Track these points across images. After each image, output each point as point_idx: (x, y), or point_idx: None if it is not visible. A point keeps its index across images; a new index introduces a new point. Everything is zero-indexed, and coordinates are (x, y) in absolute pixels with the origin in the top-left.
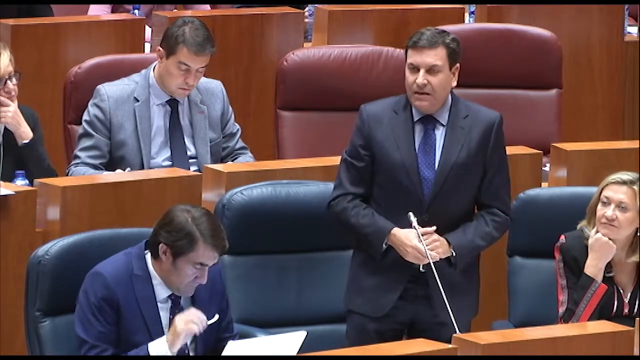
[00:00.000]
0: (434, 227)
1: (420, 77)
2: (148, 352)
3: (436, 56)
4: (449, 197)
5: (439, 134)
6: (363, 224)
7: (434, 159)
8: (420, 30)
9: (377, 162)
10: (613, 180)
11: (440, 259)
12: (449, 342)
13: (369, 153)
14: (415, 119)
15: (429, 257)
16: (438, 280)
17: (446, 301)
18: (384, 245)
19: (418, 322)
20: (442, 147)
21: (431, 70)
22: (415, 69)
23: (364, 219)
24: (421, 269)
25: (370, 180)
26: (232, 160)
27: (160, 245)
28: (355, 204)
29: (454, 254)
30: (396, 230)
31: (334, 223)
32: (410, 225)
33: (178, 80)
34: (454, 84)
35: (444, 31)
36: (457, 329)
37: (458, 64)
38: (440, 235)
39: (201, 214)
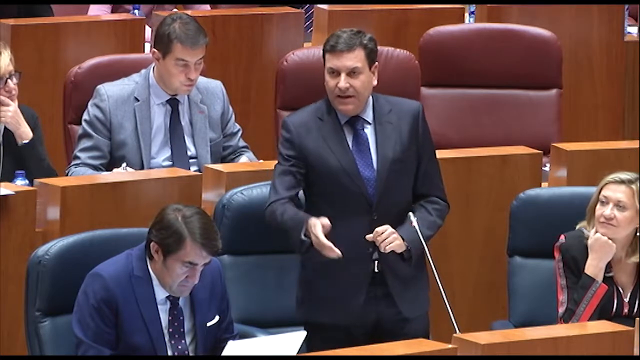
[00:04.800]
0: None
1: (342, 81)
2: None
3: (355, 59)
4: (393, 193)
5: (369, 132)
6: (286, 219)
7: (371, 158)
8: (336, 33)
9: (314, 172)
10: (611, 180)
11: (393, 254)
12: (413, 336)
13: (303, 163)
14: (342, 121)
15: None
16: (436, 273)
17: (446, 301)
18: (302, 237)
19: (382, 321)
20: (376, 145)
21: (352, 73)
22: (336, 72)
23: (286, 215)
24: (376, 270)
25: (303, 185)
26: (236, 158)
27: (152, 244)
28: (285, 204)
29: (409, 248)
30: (311, 220)
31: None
32: (410, 226)
33: (180, 78)
34: (375, 82)
35: (360, 31)
36: (456, 329)
37: (377, 62)
38: None
39: (193, 213)
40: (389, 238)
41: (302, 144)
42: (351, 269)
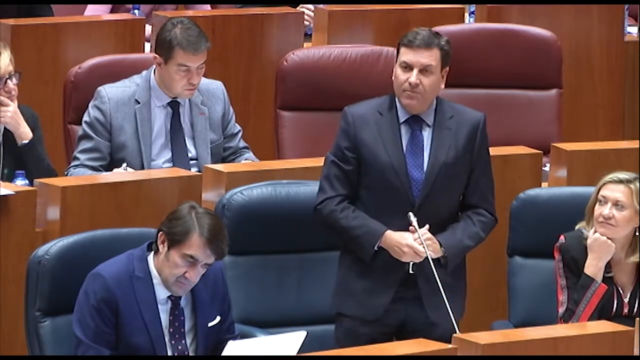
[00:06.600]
0: (427, 226)
1: (414, 77)
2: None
3: (431, 57)
4: (438, 198)
5: (426, 134)
6: (354, 225)
7: (422, 159)
8: (416, 30)
9: (365, 164)
10: (610, 180)
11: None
12: (440, 342)
13: (356, 155)
14: (402, 119)
15: (428, 253)
16: (437, 277)
17: (446, 301)
18: (375, 248)
19: (408, 324)
20: (430, 148)
21: (424, 70)
22: (409, 67)
23: (355, 221)
24: (410, 271)
25: (356, 182)
26: (237, 158)
27: (160, 234)
28: (344, 206)
29: (445, 254)
30: (389, 233)
31: (320, 226)
32: (409, 225)
33: (182, 83)
34: (443, 86)
35: (437, 33)
36: (457, 329)
37: (447, 68)
38: None
39: (206, 213)
40: (425, 244)
41: (358, 135)
42: (385, 267)
